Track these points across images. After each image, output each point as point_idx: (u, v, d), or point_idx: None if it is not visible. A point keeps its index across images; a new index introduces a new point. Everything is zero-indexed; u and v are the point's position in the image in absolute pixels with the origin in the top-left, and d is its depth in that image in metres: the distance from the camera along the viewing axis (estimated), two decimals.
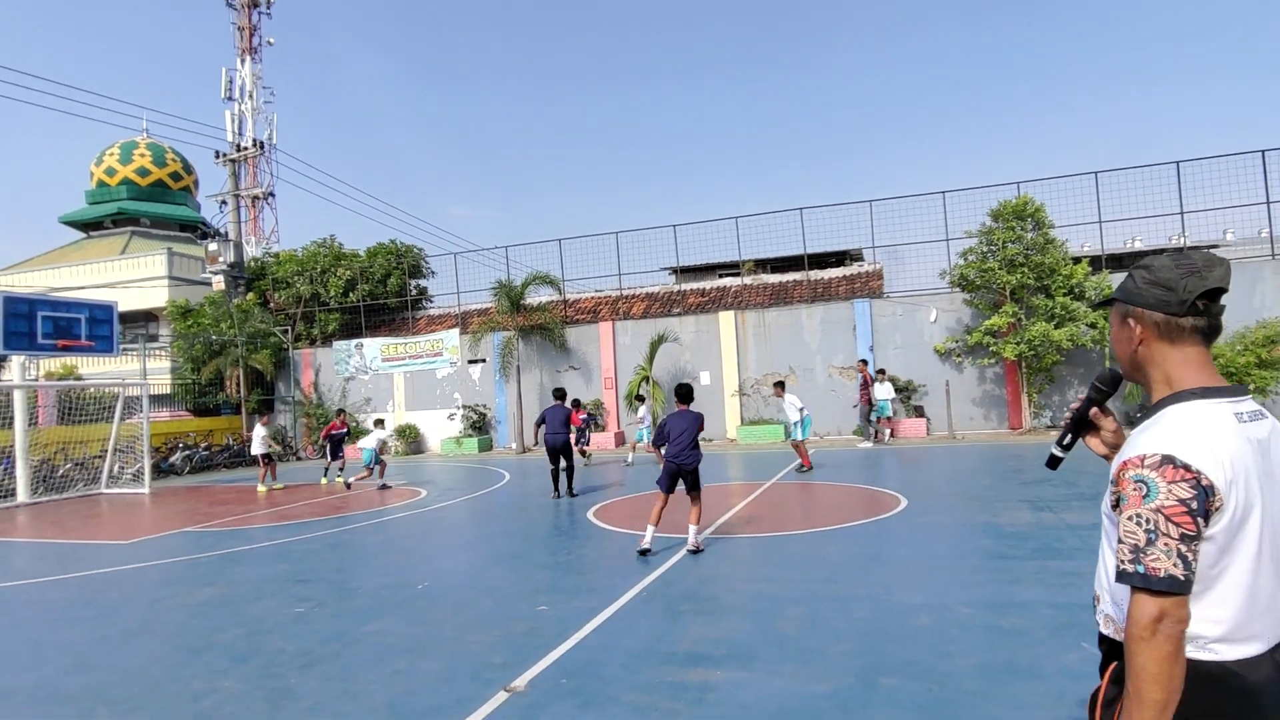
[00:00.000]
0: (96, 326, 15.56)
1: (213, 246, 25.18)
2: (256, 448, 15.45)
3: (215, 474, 20.03)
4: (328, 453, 15.94)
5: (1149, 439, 1.38)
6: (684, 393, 7.68)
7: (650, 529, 7.19)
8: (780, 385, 13.55)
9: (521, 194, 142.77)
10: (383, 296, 25.47)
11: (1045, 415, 17.42)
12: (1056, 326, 15.78)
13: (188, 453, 20.41)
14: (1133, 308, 1.52)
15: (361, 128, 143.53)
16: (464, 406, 22.48)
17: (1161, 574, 1.29)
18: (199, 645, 5.22)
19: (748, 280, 22.39)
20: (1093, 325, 15.83)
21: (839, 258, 22.92)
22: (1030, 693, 3.67)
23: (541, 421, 11.57)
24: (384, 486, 13.92)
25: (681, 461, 7.19)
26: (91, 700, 4.32)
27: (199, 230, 35.48)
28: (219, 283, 25.06)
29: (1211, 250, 23.00)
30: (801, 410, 12.80)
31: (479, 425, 22.21)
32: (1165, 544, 1.30)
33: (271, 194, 27.65)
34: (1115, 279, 16.84)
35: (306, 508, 12.11)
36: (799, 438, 12.83)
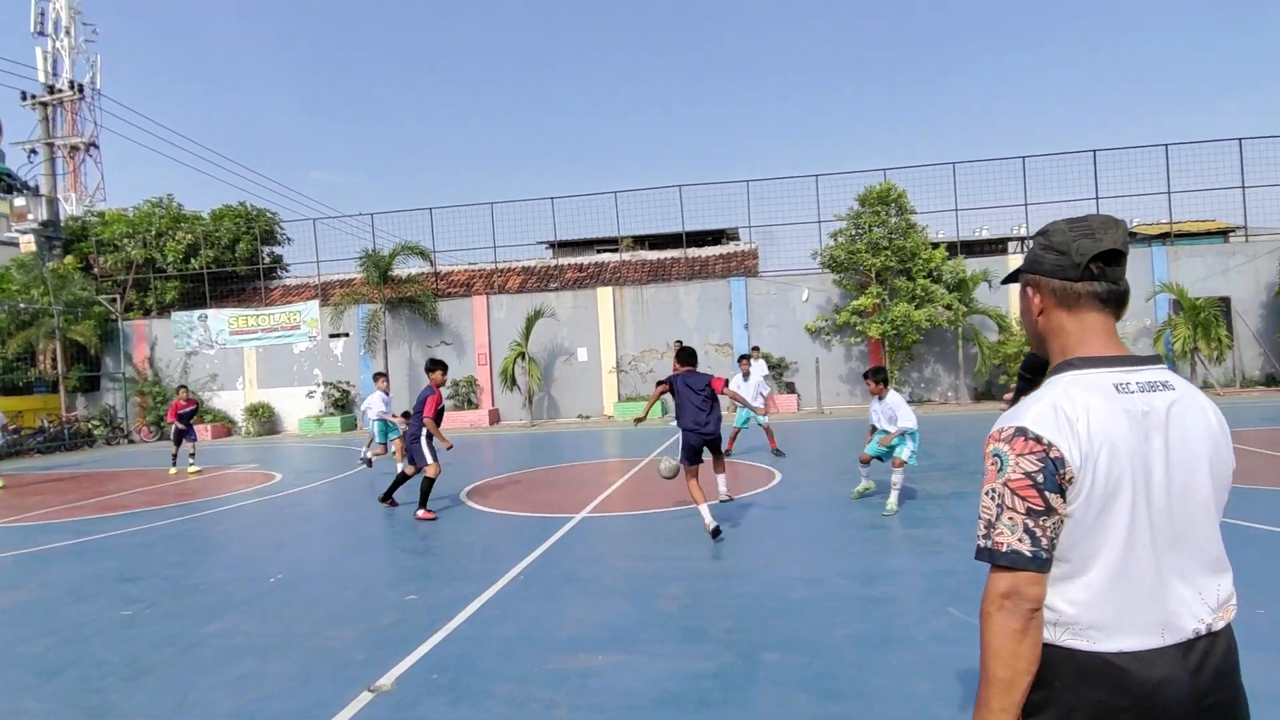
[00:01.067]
0: None
1: (20, 201, 22.05)
2: None
3: (27, 460, 17.69)
4: (174, 435, 13.57)
5: (1011, 412, 1.34)
6: (688, 355, 6.80)
7: (704, 508, 6.36)
8: (746, 359, 11.80)
9: (390, 160, 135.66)
10: (230, 264, 23.30)
11: (905, 391, 18.59)
12: (916, 307, 16.82)
13: None
14: (1032, 276, 1.45)
15: (207, 78, 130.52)
16: (325, 383, 21.07)
17: (1004, 549, 1.25)
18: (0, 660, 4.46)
19: (626, 256, 22.33)
20: (948, 307, 16.98)
21: (716, 236, 23.31)
22: (904, 660, 3.76)
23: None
24: (366, 461, 11.88)
25: (706, 430, 6.42)
26: None
27: (2, 182, 31.00)
28: (28, 243, 22.00)
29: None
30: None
31: (342, 403, 20.91)
32: (1010, 518, 1.26)
33: (95, 145, 24.50)
34: (969, 264, 18.18)
35: (139, 496, 10.87)
36: (746, 423, 11.32)
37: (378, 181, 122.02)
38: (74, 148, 25.07)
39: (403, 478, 8.63)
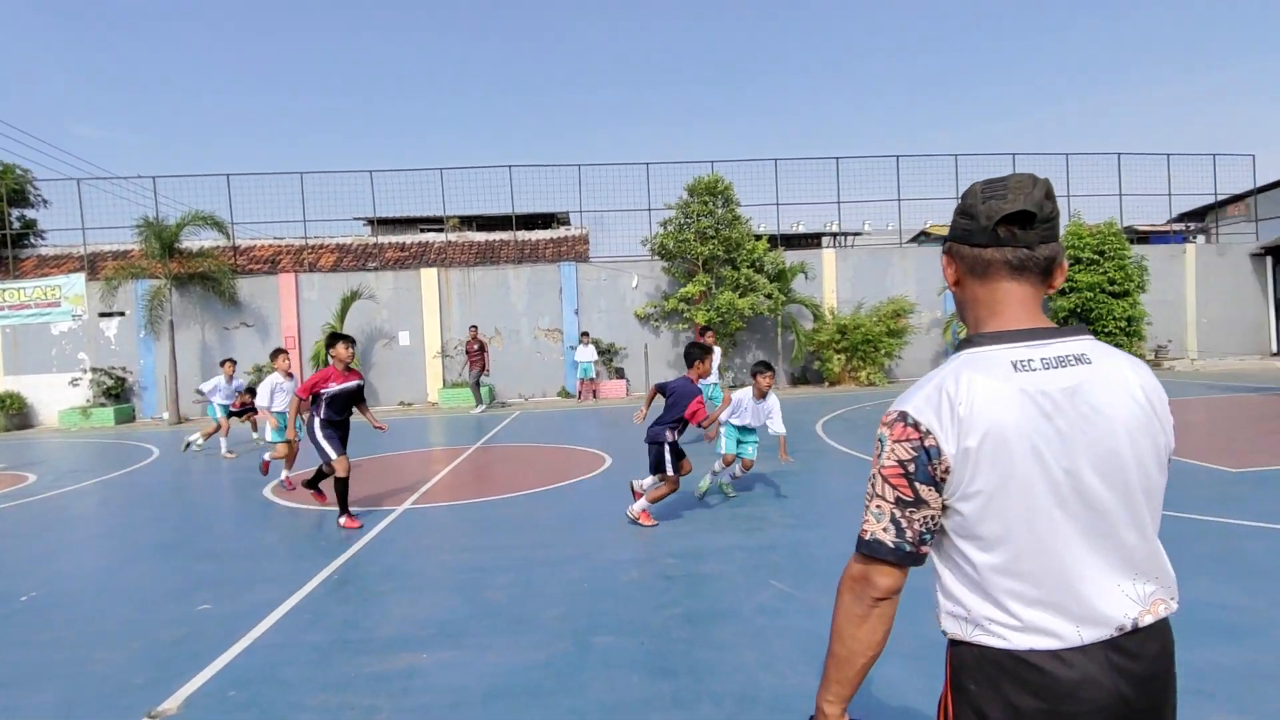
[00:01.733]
0: None
1: None
2: None
3: None
4: None
5: (906, 392, 1.26)
6: (702, 351, 6.28)
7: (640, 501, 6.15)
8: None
9: (178, 120, 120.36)
10: None
11: (729, 376, 19.49)
12: (740, 296, 17.64)
13: None
14: (949, 244, 1.33)
15: None
16: (94, 369, 18.29)
17: (868, 536, 1.21)
18: None
19: (452, 237, 21.45)
20: (769, 296, 17.97)
21: (546, 220, 23.03)
22: (732, 633, 3.88)
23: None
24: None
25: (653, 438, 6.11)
26: None
27: None
28: None
29: (856, 235, 27.69)
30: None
31: (115, 392, 18.27)
32: (879, 506, 1.20)
33: None
34: (788, 256, 19.35)
35: None
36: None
37: (166, 144, 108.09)
38: None
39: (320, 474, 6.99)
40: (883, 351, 18.27)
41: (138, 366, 18.60)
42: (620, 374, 19.04)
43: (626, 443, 11.00)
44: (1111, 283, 18.53)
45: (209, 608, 4.68)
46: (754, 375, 6.75)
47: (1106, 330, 18.46)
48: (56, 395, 18.36)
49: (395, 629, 4.18)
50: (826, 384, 18.68)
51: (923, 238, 24.95)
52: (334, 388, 6.58)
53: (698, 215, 17.94)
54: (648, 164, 19.75)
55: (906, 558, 1.20)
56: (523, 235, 21.43)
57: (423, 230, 22.79)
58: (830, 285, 19.86)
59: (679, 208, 18.24)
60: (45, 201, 21.35)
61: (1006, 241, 1.23)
